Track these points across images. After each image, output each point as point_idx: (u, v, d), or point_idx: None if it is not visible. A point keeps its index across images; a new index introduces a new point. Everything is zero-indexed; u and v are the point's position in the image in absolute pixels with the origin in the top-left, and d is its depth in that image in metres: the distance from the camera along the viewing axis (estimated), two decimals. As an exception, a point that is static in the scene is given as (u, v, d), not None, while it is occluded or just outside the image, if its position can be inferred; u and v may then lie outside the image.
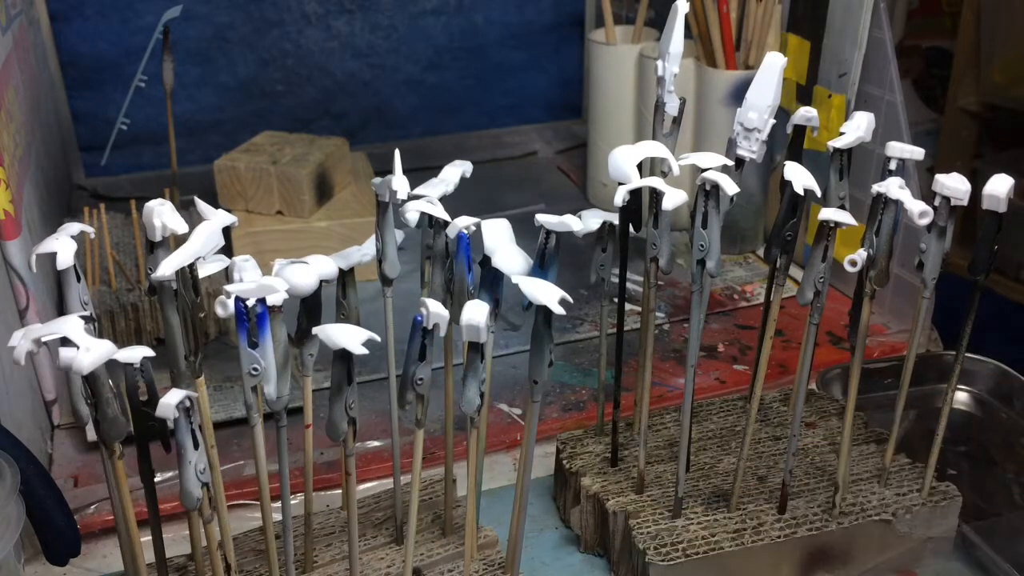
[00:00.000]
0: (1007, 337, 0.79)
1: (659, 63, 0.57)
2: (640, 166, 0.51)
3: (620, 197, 0.50)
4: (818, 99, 0.86)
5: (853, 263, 0.50)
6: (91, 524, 0.61)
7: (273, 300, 0.40)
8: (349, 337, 0.39)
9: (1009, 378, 0.73)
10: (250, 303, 0.40)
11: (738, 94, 0.87)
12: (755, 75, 0.54)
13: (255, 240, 0.87)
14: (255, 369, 0.41)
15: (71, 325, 0.39)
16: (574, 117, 1.37)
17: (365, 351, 0.39)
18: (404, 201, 0.49)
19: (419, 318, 0.41)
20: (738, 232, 0.97)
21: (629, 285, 0.86)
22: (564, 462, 0.61)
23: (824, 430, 0.64)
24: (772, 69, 0.53)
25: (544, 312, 0.41)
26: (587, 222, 0.52)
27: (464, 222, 0.47)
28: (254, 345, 0.40)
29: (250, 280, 0.43)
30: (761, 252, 0.97)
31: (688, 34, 0.94)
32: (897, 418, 0.57)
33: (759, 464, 0.60)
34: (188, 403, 0.39)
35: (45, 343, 0.64)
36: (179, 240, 0.43)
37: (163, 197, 0.91)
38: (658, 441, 0.63)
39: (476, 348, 0.42)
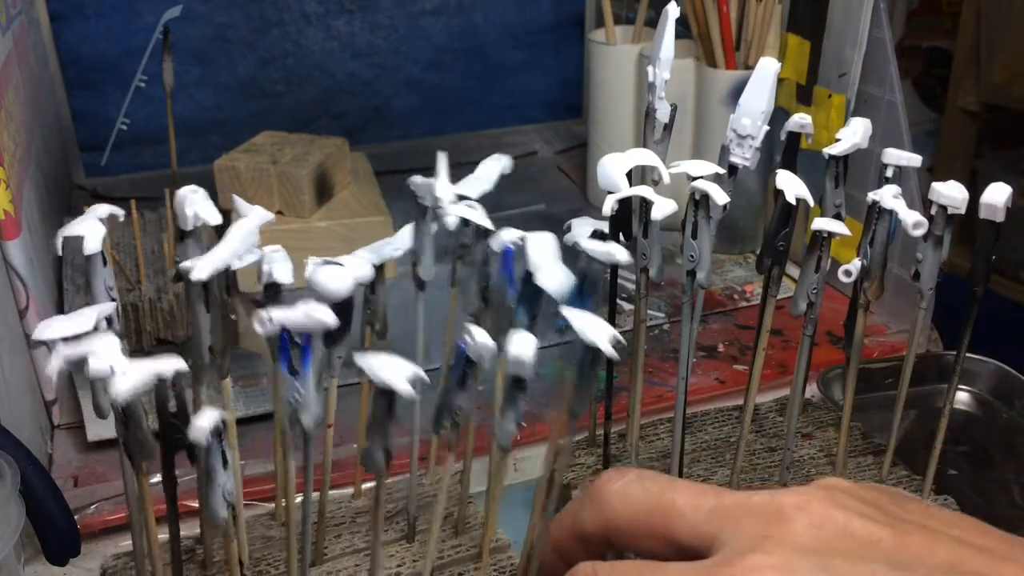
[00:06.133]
0: (1007, 337, 0.79)
1: (650, 69, 0.57)
2: (631, 174, 0.50)
3: (608, 207, 0.49)
4: (818, 99, 0.86)
5: (848, 273, 0.50)
6: (91, 524, 0.60)
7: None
8: (394, 373, 0.36)
9: (1009, 378, 0.73)
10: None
11: (738, 94, 0.87)
12: (749, 78, 0.54)
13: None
14: (295, 398, 0.38)
15: (106, 344, 0.36)
16: (574, 117, 1.37)
17: (412, 393, 0.36)
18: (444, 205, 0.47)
19: (463, 346, 0.38)
20: (737, 232, 0.97)
21: (629, 286, 0.86)
22: (555, 473, 0.61)
23: (820, 441, 0.64)
24: (765, 75, 0.53)
25: (593, 352, 0.38)
26: (577, 231, 0.52)
27: (509, 236, 0.44)
28: (294, 373, 0.38)
29: (297, 308, 0.39)
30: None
31: (688, 34, 0.94)
32: (893, 433, 0.57)
33: (753, 476, 0.60)
34: (221, 425, 0.37)
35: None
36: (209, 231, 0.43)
37: (163, 197, 0.90)
38: (651, 452, 0.62)
39: (519, 383, 0.39)
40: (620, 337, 0.37)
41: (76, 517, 0.53)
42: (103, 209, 0.43)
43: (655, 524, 0.33)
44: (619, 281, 0.56)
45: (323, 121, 1.26)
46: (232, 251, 0.41)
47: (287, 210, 0.89)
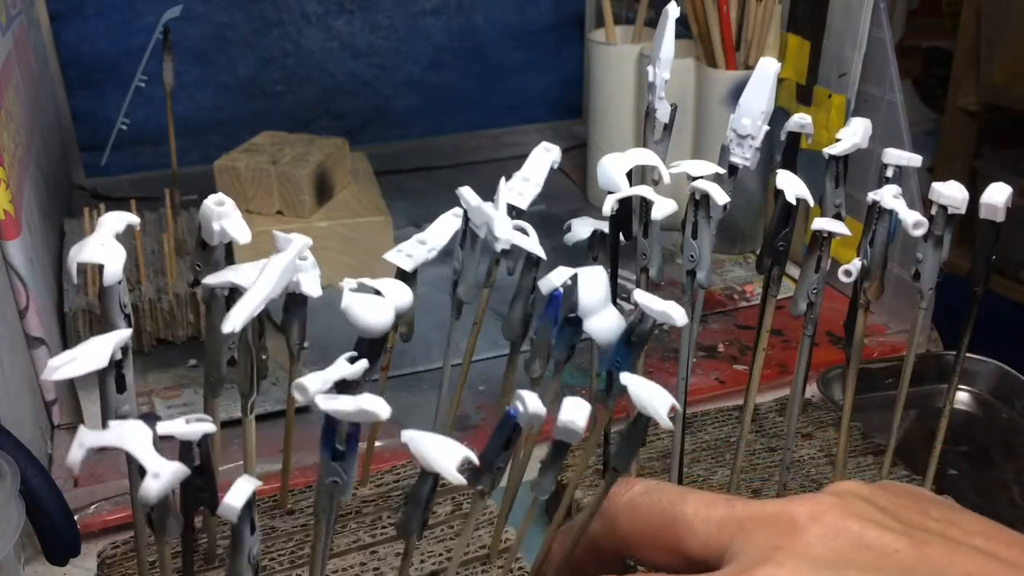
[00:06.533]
0: (1007, 337, 0.79)
1: (650, 69, 0.57)
2: (631, 174, 0.50)
3: (608, 206, 0.49)
4: (818, 99, 0.86)
5: (848, 273, 0.49)
6: (91, 524, 0.60)
7: None
8: (444, 455, 0.33)
9: (1009, 378, 0.73)
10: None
11: (738, 94, 0.88)
12: (749, 79, 0.54)
13: (255, 240, 0.86)
14: (336, 482, 0.36)
15: (137, 438, 0.33)
16: (574, 117, 1.37)
17: (461, 480, 0.33)
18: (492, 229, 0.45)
19: (513, 412, 0.36)
20: (737, 232, 0.97)
21: (629, 286, 0.86)
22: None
23: (820, 441, 0.64)
24: (765, 75, 0.53)
25: (647, 418, 0.36)
26: (577, 230, 0.51)
27: (559, 277, 0.41)
28: (338, 456, 0.35)
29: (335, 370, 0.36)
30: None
31: (688, 34, 0.94)
32: (893, 433, 0.57)
33: (753, 476, 0.60)
34: (253, 496, 0.33)
35: (44, 342, 0.64)
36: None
37: (163, 197, 0.90)
38: (651, 452, 0.62)
39: (565, 447, 0.37)
40: (678, 405, 0.36)
41: (76, 517, 0.53)
42: (119, 220, 0.40)
43: (665, 537, 0.32)
44: (619, 281, 0.56)
45: (323, 121, 1.26)
46: (267, 295, 0.38)
47: (287, 210, 0.89)
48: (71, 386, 0.71)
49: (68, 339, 0.75)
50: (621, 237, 0.53)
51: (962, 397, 0.74)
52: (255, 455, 0.49)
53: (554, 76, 1.35)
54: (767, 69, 0.53)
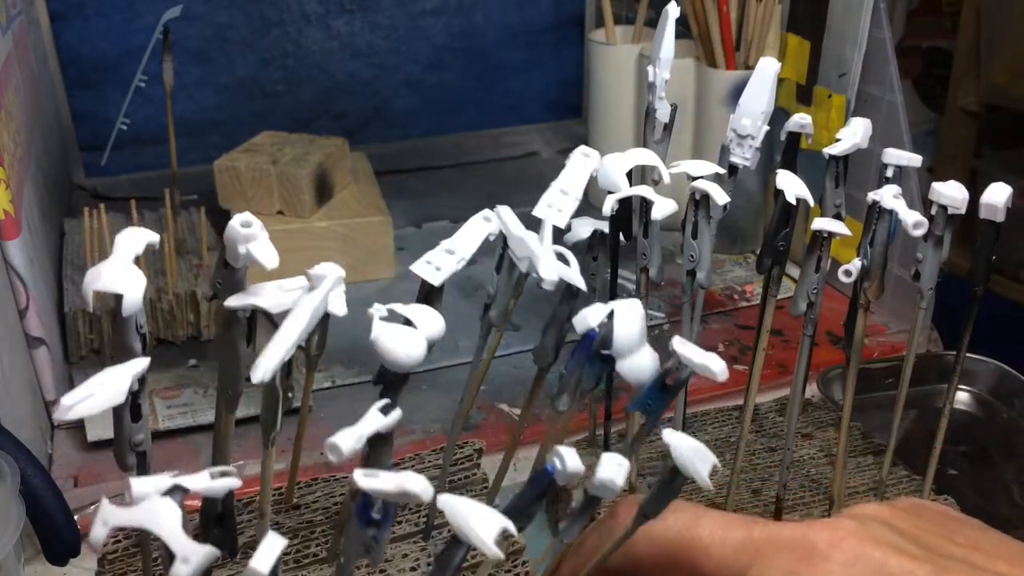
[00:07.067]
0: (1007, 337, 0.79)
1: (650, 69, 0.57)
2: (631, 174, 0.50)
3: (608, 206, 0.49)
4: (818, 99, 0.86)
5: (848, 273, 0.49)
6: (91, 524, 0.60)
7: None
8: (482, 526, 0.31)
9: (1009, 378, 0.73)
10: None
11: (738, 94, 0.88)
12: (749, 79, 0.54)
13: (255, 240, 0.87)
14: (368, 549, 0.34)
15: (166, 519, 0.30)
16: (574, 117, 1.37)
17: (500, 555, 0.30)
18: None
19: (550, 469, 0.35)
20: (737, 232, 0.97)
21: (629, 286, 0.86)
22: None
23: (820, 441, 0.64)
24: (765, 75, 0.53)
25: (684, 478, 0.34)
26: (577, 230, 0.51)
27: (597, 317, 0.39)
28: (373, 524, 0.34)
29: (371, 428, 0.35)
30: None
31: (688, 34, 0.94)
32: (893, 433, 0.57)
33: (753, 476, 0.60)
34: (280, 560, 0.31)
35: (44, 342, 0.64)
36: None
37: (163, 197, 0.90)
38: (651, 452, 0.62)
39: (597, 501, 0.36)
40: (719, 465, 0.34)
41: (76, 517, 0.53)
42: (138, 239, 0.38)
43: (680, 561, 0.32)
44: (619, 281, 0.56)
45: (323, 121, 1.26)
46: (296, 340, 0.36)
47: (287, 210, 0.89)
48: (71, 386, 0.71)
49: (68, 339, 0.75)
50: (621, 237, 0.53)
51: (962, 397, 0.74)
52: (233, 433, 0.48)
53: (554, 76, 1.35)
54: (767, 69, 0.53)
